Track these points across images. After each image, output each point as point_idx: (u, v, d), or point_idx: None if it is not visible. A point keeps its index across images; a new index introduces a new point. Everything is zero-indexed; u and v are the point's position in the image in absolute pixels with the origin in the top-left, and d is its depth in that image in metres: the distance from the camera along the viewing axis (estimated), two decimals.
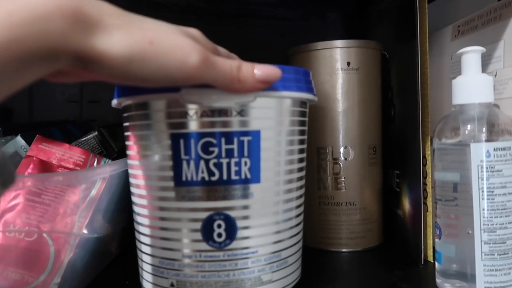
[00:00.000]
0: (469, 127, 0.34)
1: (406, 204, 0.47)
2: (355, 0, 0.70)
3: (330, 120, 0.48)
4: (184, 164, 0.29)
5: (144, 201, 0.32)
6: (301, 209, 0.36)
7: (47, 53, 0.19)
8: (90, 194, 0.37)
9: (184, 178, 0.29)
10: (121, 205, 0.42)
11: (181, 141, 0.29)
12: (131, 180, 0.33)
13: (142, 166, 0.31)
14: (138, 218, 0.33)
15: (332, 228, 0.49)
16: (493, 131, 0.34)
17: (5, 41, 0.17)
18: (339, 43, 0.47)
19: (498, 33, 0.36)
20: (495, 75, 0.37)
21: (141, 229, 0.32)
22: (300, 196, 0.35)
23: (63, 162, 0.39)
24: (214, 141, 0.29)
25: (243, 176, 0.29)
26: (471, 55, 0.35)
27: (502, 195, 0.32)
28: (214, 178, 0.29)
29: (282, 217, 0.33)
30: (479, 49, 0.35)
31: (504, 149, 0.32)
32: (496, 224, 0.32)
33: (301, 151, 0.35)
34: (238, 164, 0.29)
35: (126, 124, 0.33)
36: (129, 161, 0.33)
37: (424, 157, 0.43)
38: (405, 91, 0.47)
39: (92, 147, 0.45)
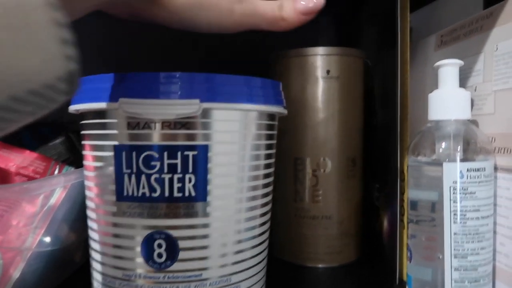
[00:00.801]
0: (443, 145, 0.33)
1: (384, 220, 0.46)
2: (347, 4, 0.68)
3: (308, 130, 0.46)
4: (126, 178, 0.27)
5: (92, 215, 0.30)
6: (265, 227, 0.34)
7: None
8: (48, 204, 0.35)
9: (125, 193, 0.27)
10: (85, 214, 0.40)
11: (123, 154, 0.27)
12: (86, 192, 0.31)
13: (91, 178, 0.30)
14: (89, 231, 0.31)
15: (308, 242, 0.47)
16: (469, 150, 0.32)
17: None
18: (319, 50, 0.45)
19: (479, 45, 0.35)
20: (475, 90, 0.35)
21: (91, 242, 0.31)
22: (264, 214, 0.33)
23: (22, 169, 0.37)
24: (155, 154, 0.27)
25: (186, 194, 0.28)
26: (449, 69, 0.33)
27: (475, 219, 0.31)
28: (155, 195, 0.27)
29: (243, 236, 0.31)
30: (457, 62, 0.33)
31: (478, 170, 0.31)
32: (468, 250, 0.31)
33: (267, 166, 0.33)
34: (181, 180, 0.27)
35: (82, 132, 0.31)
36: (84, 172, 0.31)
37: (402, 172, 0.42)
38: (387, 102, 0.45)
39: (59, 153, 0.43)
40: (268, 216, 0.35)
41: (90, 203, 0.30)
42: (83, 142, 0.31)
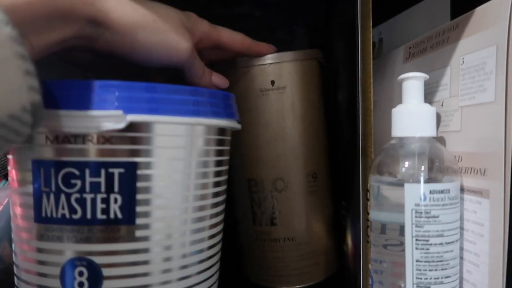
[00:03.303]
0: (406, 164, 0.30)
1: (349, 240, 0.43)
2: (324, 13, 0.66)
3: (257, 149, 0.42)
4: (44, 197, 0.24)
5: (15, 237, 0.27)
6: (215, 250, 0.31)
7: (67, 14, 0.23)
8: None
9: (44, 214, 0.24)
10: None
11: (42, 170, 0.24)
12: (10, 212, 0.28)
13: (14, 196, 0.27)
14: (13, 256, 0.28)
15: (271, 266, 0.44)
16: (434, 170, 0.30)
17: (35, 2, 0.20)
18: (257, 60, 0.41)
19: (445, 58, 0.33)
20: (442, 105, 0.33)
21: (14, 267, 0.28)
22: (213, 236, 0.31)
23: None
24: (76, 172, 0.24)
25: (111, 216, 0.25)
26: (413, 82, 0.31)
27: (438, 245, 0.28)
28: (76, 216, 0.24)
29: (188, 261, 0.28)
30: (421, 76, 0.31)
31: (442, 191, 0.28)
32: (431, 279, 0.28)
33: (217, 184, 0.31)
34: (105, 200, 0.24)
35: None
36: (9, 190, 0.28)
37: (367, 190, 0.39)
38: (350, 116, 0.42)
39: (1, 166, 0.40)
40: (218, 238, 0.32)
41: (13, 225, 0.27)
42: (8, 157, 0.28)
